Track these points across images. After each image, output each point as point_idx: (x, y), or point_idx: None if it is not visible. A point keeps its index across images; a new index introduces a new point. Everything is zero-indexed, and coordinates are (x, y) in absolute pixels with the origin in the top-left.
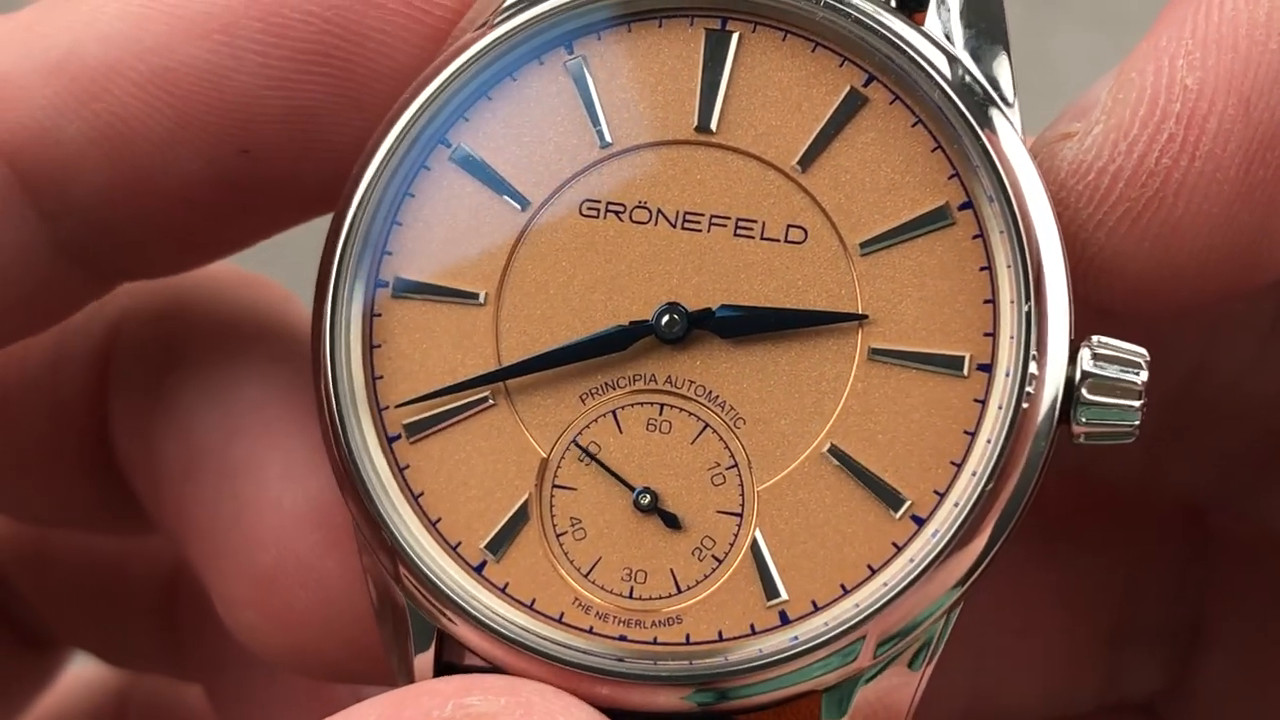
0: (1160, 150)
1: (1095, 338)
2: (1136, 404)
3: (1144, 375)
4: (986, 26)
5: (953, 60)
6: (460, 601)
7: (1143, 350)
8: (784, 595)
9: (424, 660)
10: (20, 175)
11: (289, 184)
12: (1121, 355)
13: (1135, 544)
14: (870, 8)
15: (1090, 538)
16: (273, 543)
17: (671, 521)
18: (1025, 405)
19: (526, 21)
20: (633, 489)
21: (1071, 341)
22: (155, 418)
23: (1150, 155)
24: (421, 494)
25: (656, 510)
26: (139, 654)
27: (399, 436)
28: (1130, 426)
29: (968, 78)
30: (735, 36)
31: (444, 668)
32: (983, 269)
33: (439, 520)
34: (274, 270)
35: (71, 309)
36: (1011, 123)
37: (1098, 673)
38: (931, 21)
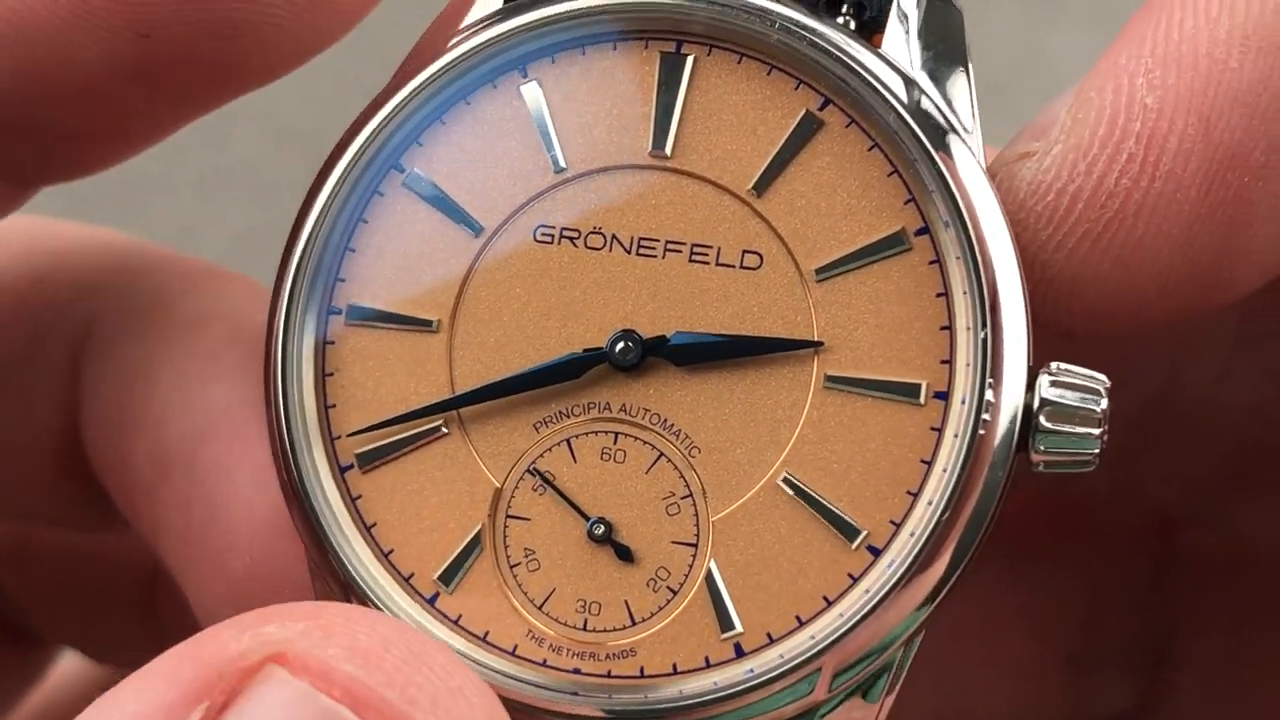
0: (1120, 170)
1: (1054, 364)
2: (1096, 432)
3: (1104, 403)
4: (945, 48)
5: (909, 83)
6: None
7: (1103, 377)
8: (738, 628)
9: None
10: None
11: (189, 65)
12: (1081, 382)
13: (1101, 562)
14: (826, 30)
15: (1055, 557)
16: (245, 549)
17: (624, 554)
18: (982, 433)
19: (480, 45)
20: (587, 518)
21: (1030, 368)
22: (126, 418)
23: (1110, 175)
24: (374, 525)
25: (610, 541)
26: (123, 650)
27: (351, 466)
28: (1090, 455)
29: (924, 101)
30: (690, 59)
31: None
32: (939, 295)
33: (391, 551)
34: (255, 270)
35: None
36: (969, 145)
37: (1065, 693)
38: (890, 43)
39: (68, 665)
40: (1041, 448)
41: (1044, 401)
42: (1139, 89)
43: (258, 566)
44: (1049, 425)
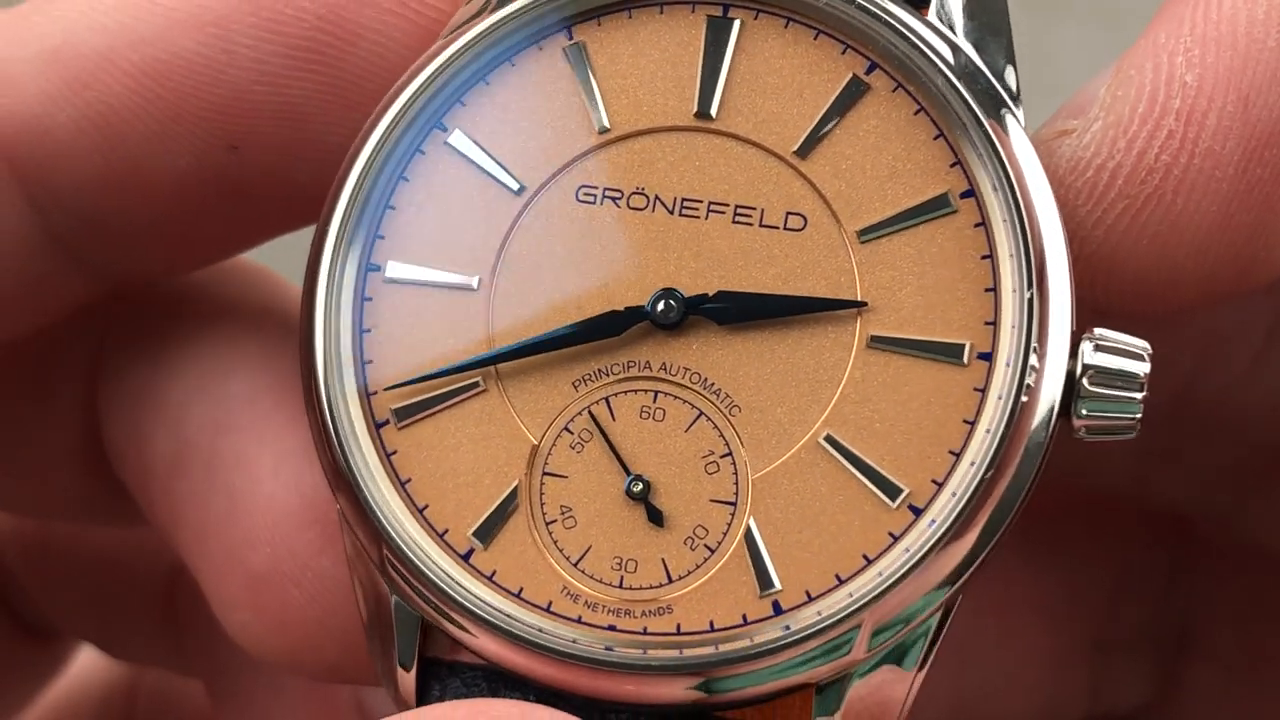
0: (1160, 146)
1: (1097, 330)
2: (1138, 396)
3: (1146, 367)
4: (989, 19)
5: (956, 49)
6: (447, 589)
7: (1145, 343)
8: (777, 585)
9: (406, 677)
10: (12, 164)
11: (279, 183)
12: (1123, 347)
13: (1121, 554)
14: None
15: (1077, 546)
16: (265, 541)
17: (655, 516)
18: (1025, 395)
19: (525, 7)
20: (629, 473)
21: (1073, 333)
22: (145, 410)
23: (1150, 151)
24: (409, 480)
25: (645, 501)
26: (140, 648)
27: (387, 422)
28: (1132, 420)
29: (971, 67)
30: (737, 23)
31: (427, 664)
32: (985, 257)
33: (426, 507)
34: (276, 258)
35: (65, 306)
36: (1015, 113)
37: (1084, 683)
38: (935, 11)
39: (86, 660)
40: (1084, 412)
41: (1087, 366)
42: (1179, 67)
43: (278, 560)
44: (1092, 389)
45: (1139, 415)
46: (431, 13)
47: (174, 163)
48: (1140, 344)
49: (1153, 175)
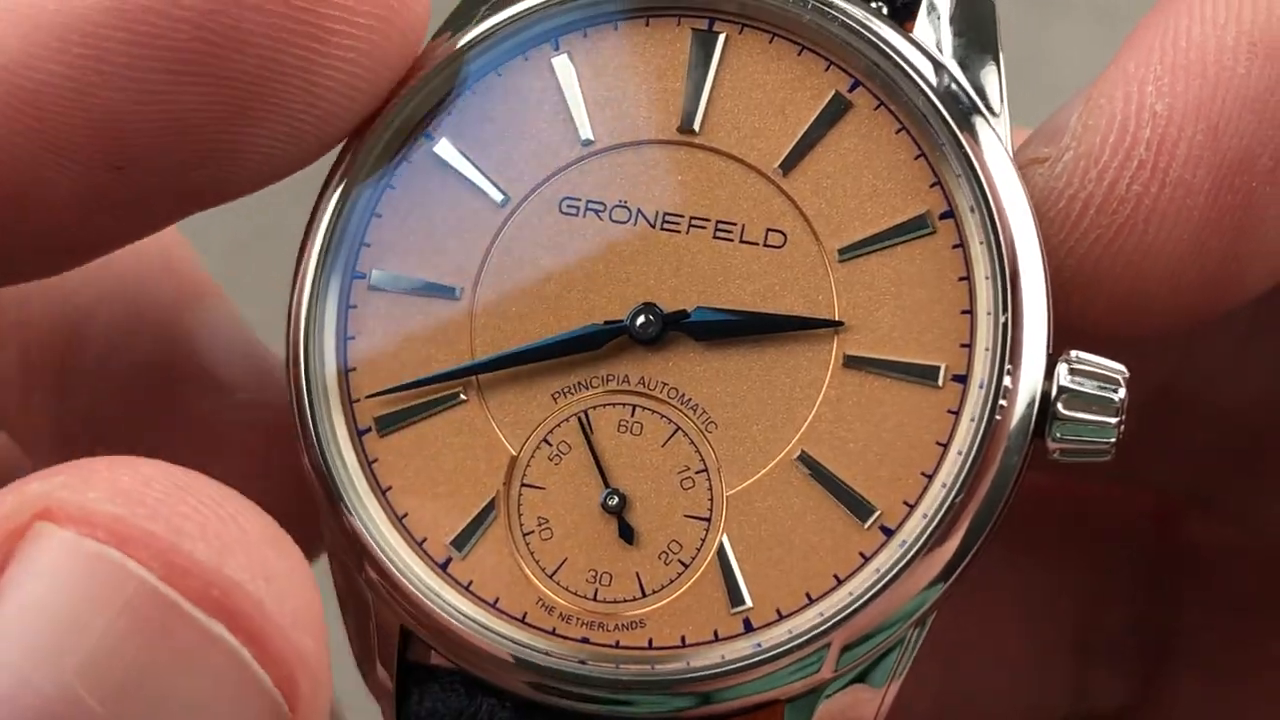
0: (1131, 177)
1: (1073, 353)
2: (1113, 421)
3: (1122, 393)
4: (976, 35)
5: (939, 68)
6: (423, 597)
7: (1121, 367)
8: (748, 603)
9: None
10: None
11: (169, 192)
12: (1099, 371)
13: (1104, 555)
14: (858, 13)
15: (1058, 547)
16: None
17: (626, 533)
18: (999, 417)
19: (512, 17)
20: (606, 486)
21: (1049, 355)
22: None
23: (1121, 182)
24: (389, 488)
25: (618, 516)
26: None
27: (369, 430)
28: (1107, 445)
29: (953, 86)
30: (722, 37)
31: (408, 666)
32: (961, 279)
33: (405, 515)
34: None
35: None
36: (997, 133)
37: (1066, 684)
38: (921, 29)
39: None
40: (1058, 435)
41: (1062, 389)
42: (1148, 96)
43: None
44: (1066, 413)
45: (1114, 440)
46: (326, 9)
47: (51, 190)
48: (1117, 367)
49: (1124, 205)
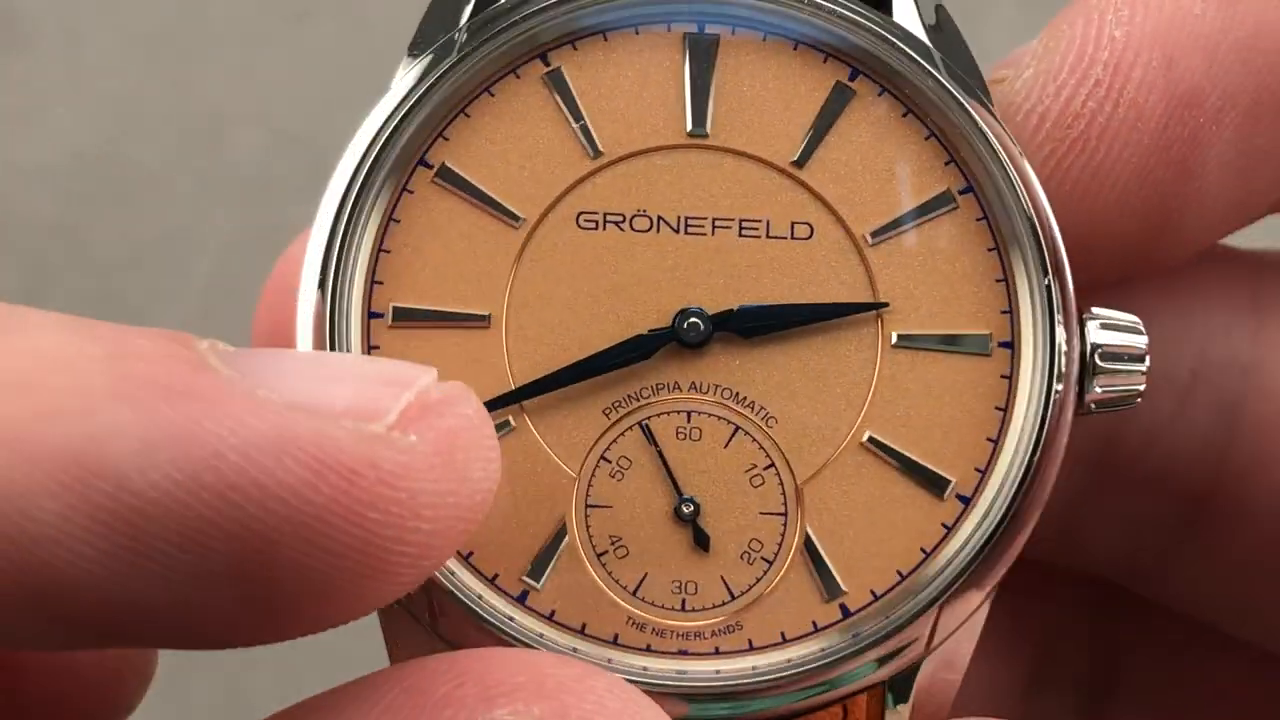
0: (1087, 94)
1: (1093, 309)
2: (1142, 367)
3: (1145, 339)
4: (940, 18)
5: (928, 50)
6: (508, 632)
7: (1135, 317)
8: (843, 588)
9: None
10: None
11: None
12: (1122, 322)
13: (1050, 600)
14: (844, 2)
15: (1011, 586)
16: None
17: (702, 541)
18: (1051, 378)
19: (493, 34)
20: (679, 495)
21: (1079, 314)
22: None
23: (1077, 98)
24: None
25: (693, 523)
26: None
27: None
28: (1138, 390)
29: (948, 65)
30: (715, 38)
31: None
32: (990, 249)
33: (471, 554)
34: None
35: None
36: (988, 105)
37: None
38: (900, 14)
39: None
40: (1098, 388)
41: (1095, 344)
42: (1108, 24)
43: None
44: (1104, 365)
45: (1143, 386)
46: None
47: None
48: (1132, 317)
49: (1079, 121)
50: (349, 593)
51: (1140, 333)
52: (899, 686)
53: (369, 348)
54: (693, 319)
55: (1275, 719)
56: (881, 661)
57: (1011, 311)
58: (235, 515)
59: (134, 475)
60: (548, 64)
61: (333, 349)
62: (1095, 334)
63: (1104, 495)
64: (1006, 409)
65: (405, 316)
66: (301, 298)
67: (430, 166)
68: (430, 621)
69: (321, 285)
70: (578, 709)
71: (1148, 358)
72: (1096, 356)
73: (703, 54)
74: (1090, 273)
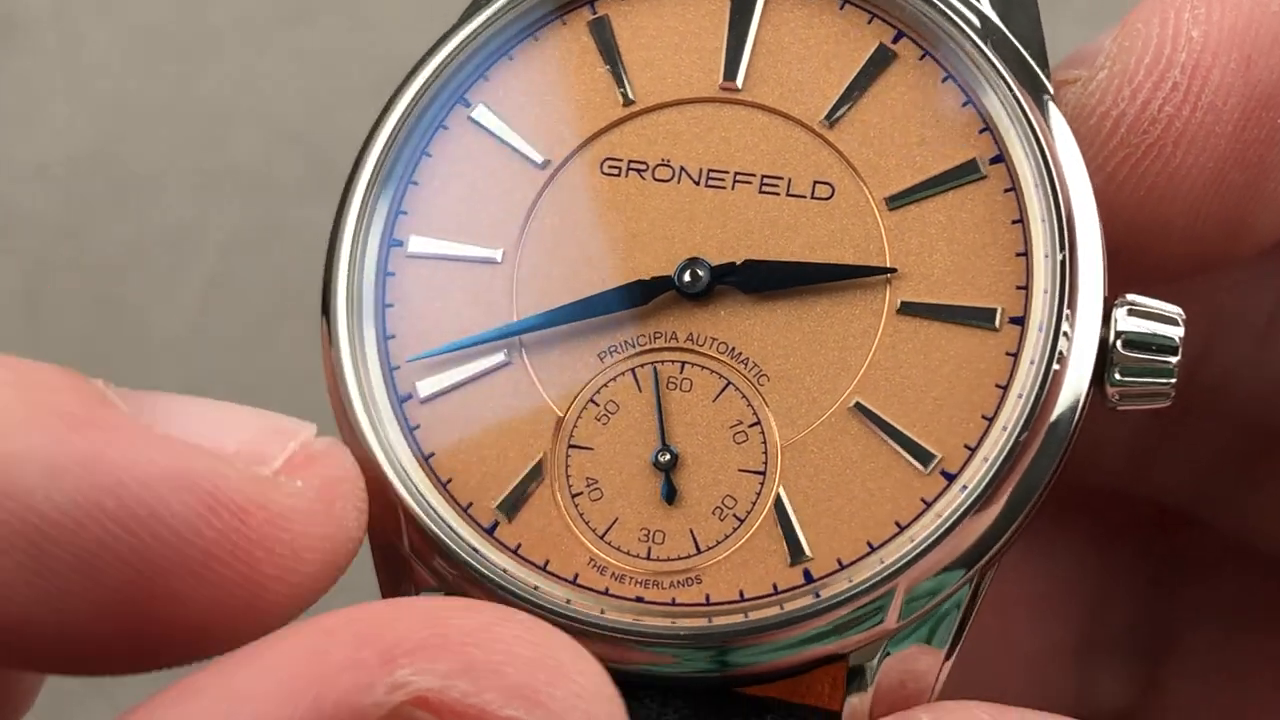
0: (1164, 98)
1: (1129, 295)
2: (1173, 361)
3: (1180, 331)
4: None
5: (983, 17)
6: (471, 562)
7: (1178, 308)
8: (808, 554)
9: None
10: None
11: None
12: (1156, 311)
13: (1110, 554)
14: None
15: (1066, 546)
16: None
17: (668, 493)
18: (1058, 359)
19: None
20: (663, 444)
21: (1105, 299)
22: None
23: (1154, 102)
24: (432, 454)
25: (666, 474)
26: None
27: (410, 396)
28: (1167, 386)
29: (998, 34)
30: None
31: None
32: (1015, 222)
33: (449, 481)
34: (252, 269)
35: None
36: (1043, 79)
37: (1068, 686)
38: None
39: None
40: (1119, 379)
41: (1120, 332)
42: (1185, 23)
43: None
44: (1127, 354)
45: (1174, 381)
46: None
47: None
48: (1173, 309)
49: (1155, 125)
50: (224, 626)
51: (1176, 324)
52: (860, 671)
53: (385, 275)
54: (693, 269)
55: None
56: (839, 630)
57: (1027, 287)
58: (130, 543)
59: (39, 496)
60: (594, 11)
61: (350, 274)
62: (1123, 321)
63: (1181, 427)
64: (1007, 388)
65: (423, 247)
66: (335, 219)
67: (469, 105)
68: (402, 539)
69: (355, 209)
70: (485, 661)
71: (1179, 351)
72: (1119, 345)
73: (746, 7)
74: (1165, 272)
